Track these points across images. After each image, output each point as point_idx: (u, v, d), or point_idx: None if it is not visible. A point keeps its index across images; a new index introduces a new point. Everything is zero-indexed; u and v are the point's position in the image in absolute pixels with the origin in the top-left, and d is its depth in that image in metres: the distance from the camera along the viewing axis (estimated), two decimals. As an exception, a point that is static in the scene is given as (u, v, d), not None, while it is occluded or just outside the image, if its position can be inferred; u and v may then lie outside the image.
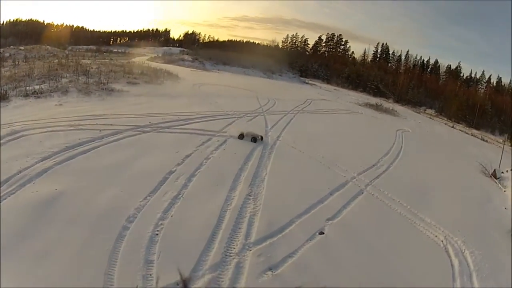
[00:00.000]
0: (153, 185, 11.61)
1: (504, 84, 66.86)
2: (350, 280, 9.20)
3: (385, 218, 13.43)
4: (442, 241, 12.70)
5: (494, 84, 68.62)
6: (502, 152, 28.54)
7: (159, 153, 14.52)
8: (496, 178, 24.16)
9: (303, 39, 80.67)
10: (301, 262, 9.32)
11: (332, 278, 9.10)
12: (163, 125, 18.24)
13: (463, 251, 12.24)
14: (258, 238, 9.87)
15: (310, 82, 57.19)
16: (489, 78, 68.82)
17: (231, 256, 8.96)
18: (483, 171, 24.92)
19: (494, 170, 24.78)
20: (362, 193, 15.02)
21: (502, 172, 25.82)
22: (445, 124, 49.57)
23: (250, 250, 9.29)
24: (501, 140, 50.52)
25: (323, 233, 10.93)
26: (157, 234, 9.21)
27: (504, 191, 22.33)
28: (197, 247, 8.95)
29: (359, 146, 22.94)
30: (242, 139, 18.10)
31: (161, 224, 9.68)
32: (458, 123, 52.23)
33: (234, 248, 9.30)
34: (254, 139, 18.30)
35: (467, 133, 46.86)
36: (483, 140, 45.00)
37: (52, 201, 9.73)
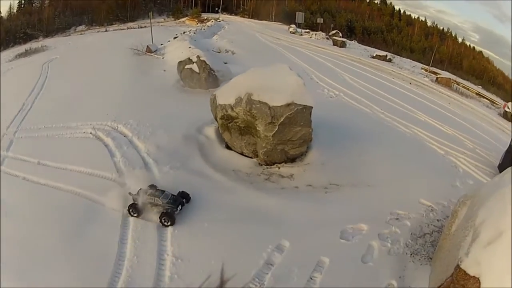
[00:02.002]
0: None
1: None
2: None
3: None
4: (91, 132, 12.72)
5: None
6: (151, 29, 29.21)
7: None
8: (152, 52, 25.14)
9: None
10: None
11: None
12: None
13: (117, 127, 12.54)
14: None
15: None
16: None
17: None
18: (136, 53, 25.24)
19: (147, 46, 25.76)
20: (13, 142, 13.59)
21: (162, 44, 27.22)
22: (98, 32, 48.35)
23: None
24: (162, 20, 54.06)
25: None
26: None
27: (162, 58, 23.52)
28: None
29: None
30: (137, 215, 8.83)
31: None
32: (112, 24, 52.16)
33: None
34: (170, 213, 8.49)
35: (122, 29, 46.88)
36: (141, 27, 44.57)
37: None
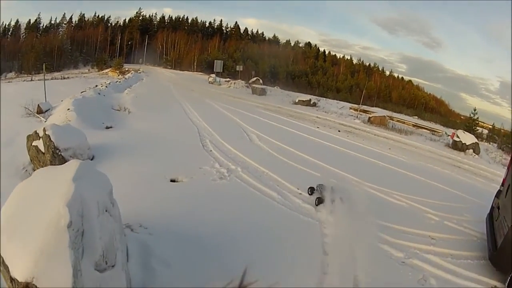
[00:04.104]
0: None
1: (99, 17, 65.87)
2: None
3: None
4: None
5: (77, 22, 66.95)
6: (44, 84, 24.39)
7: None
8: (42, 113, 20.71)
9: None
10: None
11: None
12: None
13: None
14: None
15: None
16: (70, 18, 66.74)
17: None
18: (28, 113, 20.28)
19: (38, 105, 21.39)
20: None
21: (62, 100, 22.58)
22: (24, 80, 43.59)
23: None
24: (86, 70, 50.34)
25: None
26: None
27: (45, 121, 18.77)
28: None
29: None
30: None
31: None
32: (39, 73, 47.13)
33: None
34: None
35: (47, 79, 41.93)
36: (64, 78, 41.81)
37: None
